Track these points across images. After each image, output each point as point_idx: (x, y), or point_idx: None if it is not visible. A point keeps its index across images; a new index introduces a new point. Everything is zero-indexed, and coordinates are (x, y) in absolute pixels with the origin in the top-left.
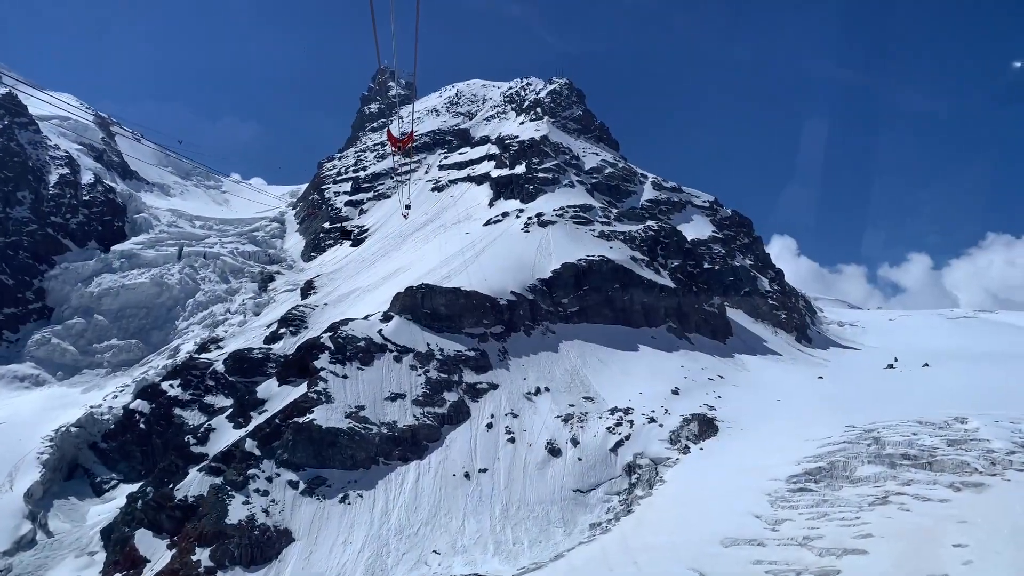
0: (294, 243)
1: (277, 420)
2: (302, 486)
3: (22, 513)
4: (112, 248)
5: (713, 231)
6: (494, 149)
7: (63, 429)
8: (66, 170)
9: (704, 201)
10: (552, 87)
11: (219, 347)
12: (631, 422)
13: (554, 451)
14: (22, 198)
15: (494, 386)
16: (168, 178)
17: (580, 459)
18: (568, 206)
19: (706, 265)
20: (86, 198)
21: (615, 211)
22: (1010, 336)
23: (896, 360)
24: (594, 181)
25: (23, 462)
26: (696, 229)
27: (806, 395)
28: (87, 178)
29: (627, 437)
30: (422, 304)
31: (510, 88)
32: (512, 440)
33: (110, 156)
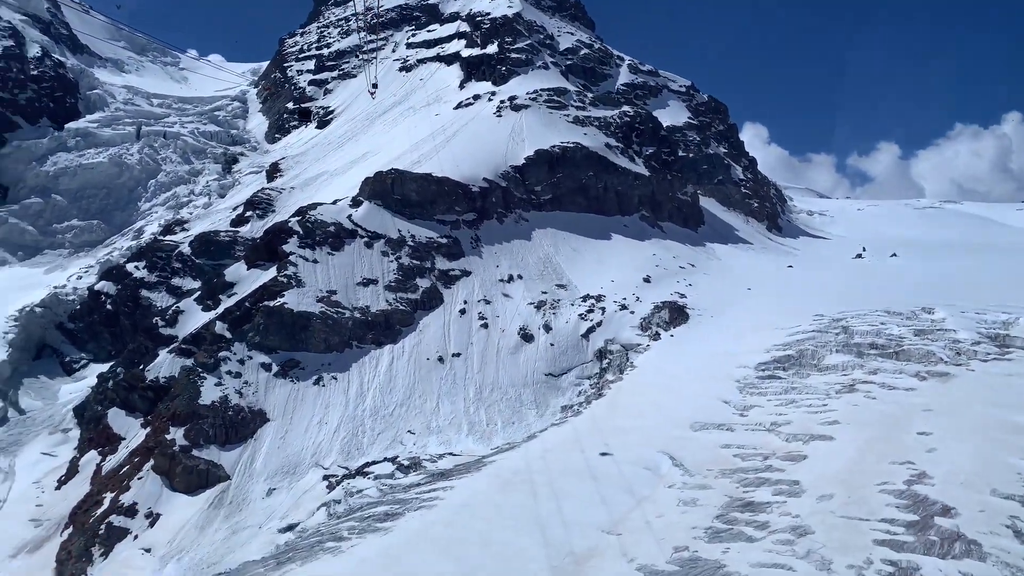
0: (257, 124)
1: (247, 303)
2: (275, 368)
3: None
4: (66, 126)
5: (688, 117)
6: (465, 27)
7: (27, 309)
8: (10, 42)
9: (680, 86)
10: None
11: (184, 229)
12: (603, 309)
13: (527, 336)
14: None
15: (467, 273)
16: (122, 53)
17: (552, 344)
18: (542, 89)
19: (680, 152)
20: (34, 72)
21: (590, 95)
22: (973, 227)
23: (864, 250)
24: (569, 63)
25: None
26: (672, 115)
27: (776, 284)
28: (34, 51)
29: (599, 324)
30: (392, 190)
31: None
32: (485, 326)
33: (58, 28)
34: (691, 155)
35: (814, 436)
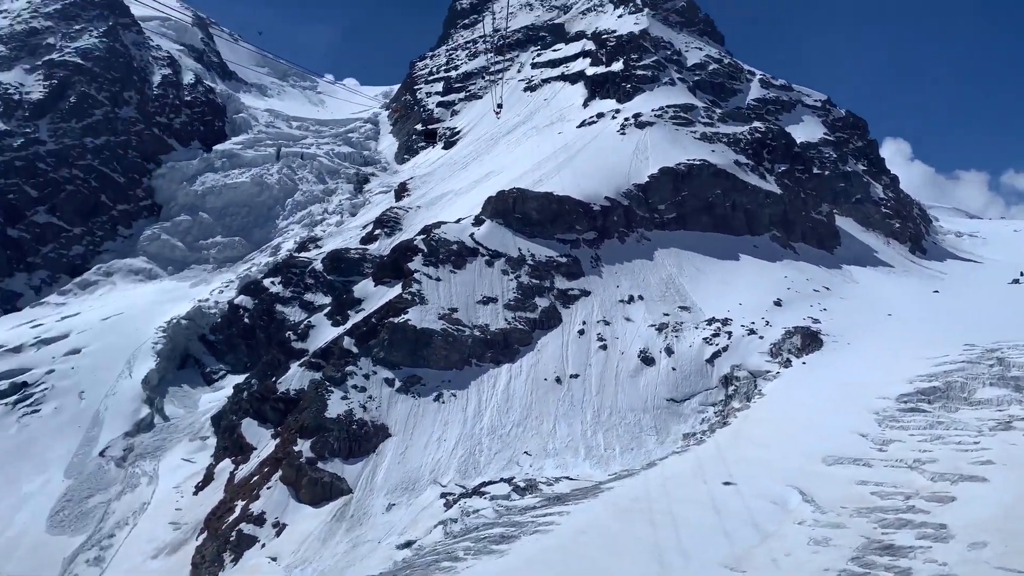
0: (388, 145)
1: (373, 319)
2: (398, 384)
3: (140, 398)
4: (214, 148)
5: (824, 133)
6: (590, 45)
7: (174, 321)
8: (168, 71)
9: (816, 101)
10: None
11: (317, 246)
12: (729, 333)
13: (647, 360)
14: (128, 98)
15: (586, 293)
16: (265, 79)
17: (674, 369)
18: (668, 106)
19: (815, 170)
20: (188, 98)
21: (719, 111)
22: None
23: (1022, 275)
24: (696, 79)
25: (140, 351)
26: (806, 131)
27: (920, 310)
28: (188, 79)
29: (724, 348)
30: (513, 208)
31: None
32: (604, 347)
33: (209, 57)
34: (827, 172)
35: (964, 476)
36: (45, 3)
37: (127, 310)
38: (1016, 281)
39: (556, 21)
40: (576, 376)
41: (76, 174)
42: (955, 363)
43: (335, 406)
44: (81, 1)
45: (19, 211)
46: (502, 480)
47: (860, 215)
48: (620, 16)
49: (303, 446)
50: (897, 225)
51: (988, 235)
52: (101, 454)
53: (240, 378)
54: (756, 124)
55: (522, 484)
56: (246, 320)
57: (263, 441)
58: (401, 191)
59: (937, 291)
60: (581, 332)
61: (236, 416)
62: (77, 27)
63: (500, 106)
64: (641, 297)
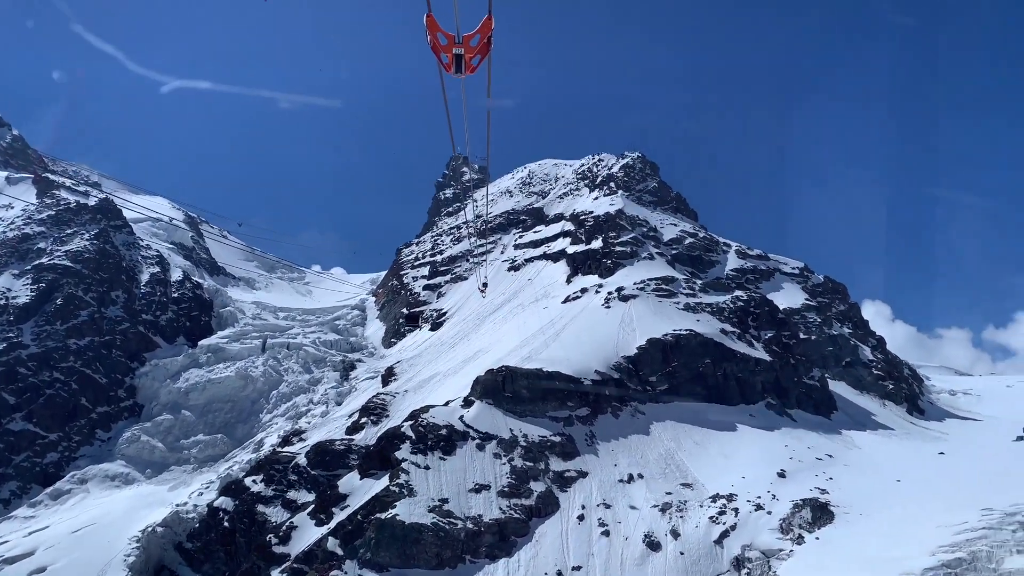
0: (375, 330)
1: (359, 516)
2: None
3: None
4: (199, 343)
5: (806, 299)
6: (569, 226)
7: (149, 529)
8: (157, 269)
9: (793, 268)
10: (625, 161)
11: (302, 439)
12: (736, 510)
13: (653, 544)
14: (116, 298)
15: (583, 474)
16: (254, 272)
17: (682, 553)
18: (649, 279)
19: (802, 335)
20: (175, 295)
21: (699, 282)
22: None
23: None
24: (674, 252)
25: (110, 566)
26: (787, 297)
27: (929, 474)
28: (176, 275)
29: (732, 527)
30: (503, 387)
31: (582, 165)
32: (606, 533)
33: (199, 253)
34: (813, 337)
35: None
36: (39, 210)
37: (100, 519)
38: (1021, 438)
39: (535, 205)
40: (579, 568)
41: (57, 377)
42: (976, 530)
43: None
44: (75, 206)
45: None
46: None
47: (852, 378)
48: (596, 199)
49: None
50: (891, 387)
51: (982, 392)
52: None
53: None
54: (738, 293)
55: None
56: (226, 524)
57: None
58: (388, 376)
59: (943, 452)
60: (581, 518)
61: None
62: (69, 231)
63: (485, 285)
64: (641, 476)
